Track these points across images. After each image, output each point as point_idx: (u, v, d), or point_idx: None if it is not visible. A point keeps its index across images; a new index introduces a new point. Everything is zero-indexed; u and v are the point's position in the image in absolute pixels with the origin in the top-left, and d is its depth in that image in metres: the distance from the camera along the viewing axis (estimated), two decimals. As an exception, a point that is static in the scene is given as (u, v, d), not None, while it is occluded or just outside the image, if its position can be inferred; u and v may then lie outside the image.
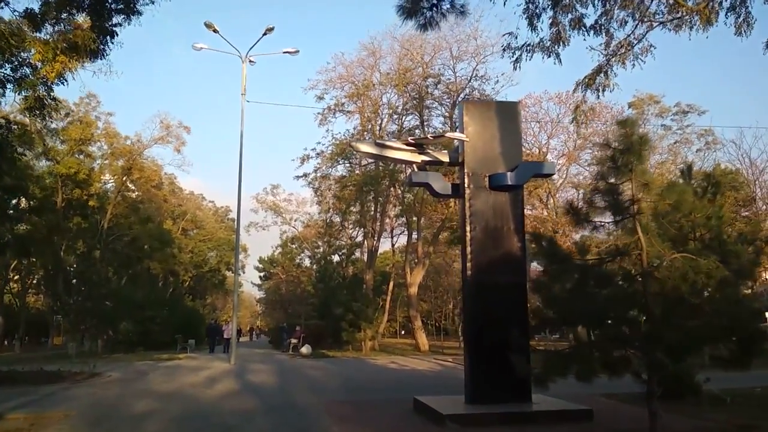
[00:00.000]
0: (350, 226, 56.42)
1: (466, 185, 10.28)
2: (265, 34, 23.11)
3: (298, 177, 33.77)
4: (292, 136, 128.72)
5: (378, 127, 32.39)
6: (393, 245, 50.43)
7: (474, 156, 10.39)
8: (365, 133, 32.14)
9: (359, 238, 54.40)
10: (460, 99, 30.44)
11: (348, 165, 34.24)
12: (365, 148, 10.88)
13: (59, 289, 35.07)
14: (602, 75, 10.91)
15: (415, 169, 10.79)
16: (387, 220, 37.91)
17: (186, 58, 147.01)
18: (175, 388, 14.31)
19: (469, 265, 10.14)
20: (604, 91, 10.80)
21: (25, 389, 14.20)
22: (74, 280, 36.04)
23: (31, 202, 36.97)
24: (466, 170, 10.31)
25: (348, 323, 29.71)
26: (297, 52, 24.90)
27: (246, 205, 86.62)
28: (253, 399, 12.19)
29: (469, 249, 10.15)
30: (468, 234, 10.16)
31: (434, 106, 31.82)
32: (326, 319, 34.69)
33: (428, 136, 13.85)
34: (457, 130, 10.98)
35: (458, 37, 30.75)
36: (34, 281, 50.23)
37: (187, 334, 33.99)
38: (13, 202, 36.97)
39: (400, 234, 53.64)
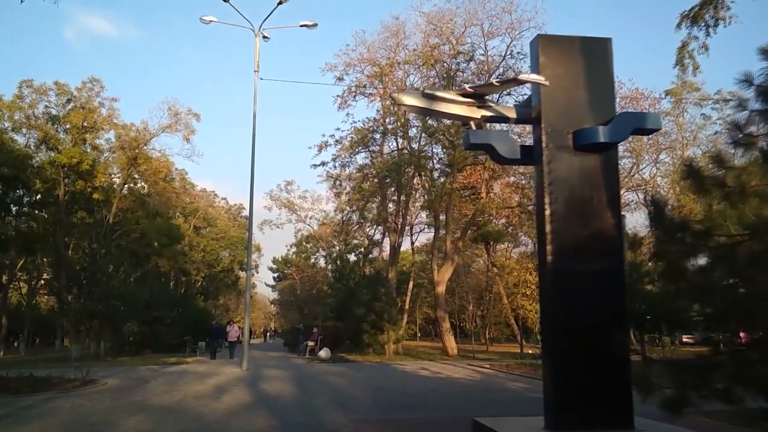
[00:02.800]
0: (368, 224, 54.34)
1: (543, 145, 7.91)
2: (280, 3, 20.89)
3: (315, 166, 31.58)
4: (309, 123, 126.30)
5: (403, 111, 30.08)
6: (413, 243, 48.17)
7: (554, 107, 8.02)
8: (388, 117, 29.88)
9: (377, 236, 52.29)
10: (492, 79, 28.09)
11: (369, 154, 31.94)
12: (410, 100, 8.53)
13: (61, 288, 33.14)
14: (711, 8, 8.54)
15: (473, 127, 8.46)
16: (410, 215, 35.64)
17: (194, 54, 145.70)
18: (176, 401, 12.08)
19: (549, 248, 7.77)
20: (716, 26, 8.42)
21: (1, 400, 12.07)
22: (83, 278, 34.00)
23: (32, 195, 35.13)
24: (543, 126, 7.93)
25: (370, 324, 27.42)
26: (315, 25, 22.64)
27: (260, 203, 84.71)
28: (267, 416, 9.89)
29: (548, 228, 7.77)
30: (547, 209, 7.78)
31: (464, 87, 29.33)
32: (345, 320, 32.50)
33: (493, 81, 11.43)
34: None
35: (490, 12, 28.35)
36: (42, 280, 48.50)
37: (198, 335, 31.91)
38: (12, 195, 35.18)
39: (420, 231, 51.50)
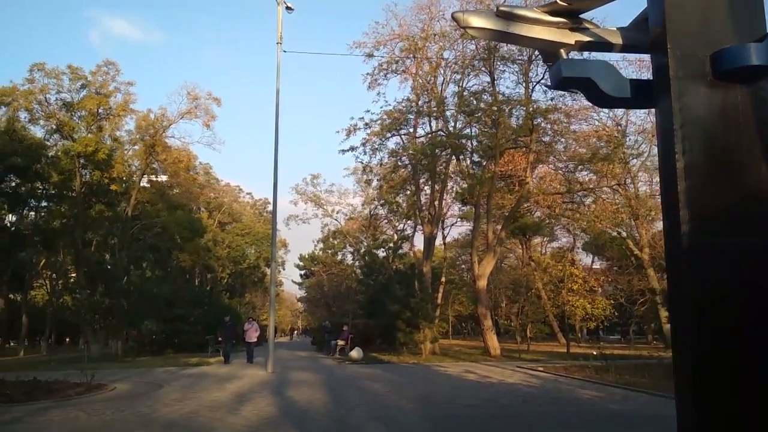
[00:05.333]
0: (397, 218, 52.26)
1: (672, 74, 5.72)
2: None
3: (343, 151, 29.45)
4: (337, 107, 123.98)
5: (439, 87, 27.93)
6: (444, 237, 45.93)
7: (684, 22, 5.76)
8: (421, 94, 27.74)
9: (407, 231, 50.18)
10: (538, 54, 25.76)
11: (401, 139, 29.82)
12: (479, 21, 6.34)
13: (76, 285, 31.76)
14: None
15: (564, 56, 6.29)
16: (444, 205, 33.48)
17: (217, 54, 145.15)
18: (187, 413, 10.14)
19: (682, 215, 5.56)
20: None
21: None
22: (99, 274, 32.61)
23: (48, 188, 33.68)
24: (670, 48, 5.75)
25: (404, 322, 25.35)
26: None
27: (285, 197, 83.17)
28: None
29: (681, 186, 5.56)
30: (678, 160, 5.58)
31: (505, 64, 27.04)
32: (376, 317, 30.55)
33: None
34: None
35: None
36: (70, 278, 47.41)
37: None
38: (27, 187, 33.84)
39: (453, 225, 49.27)
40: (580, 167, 31.13)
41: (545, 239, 54.63)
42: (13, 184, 33.17)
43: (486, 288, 28.66)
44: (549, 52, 6.94)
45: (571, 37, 6.31)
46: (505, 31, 6.48)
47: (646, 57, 6.15)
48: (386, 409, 10.42)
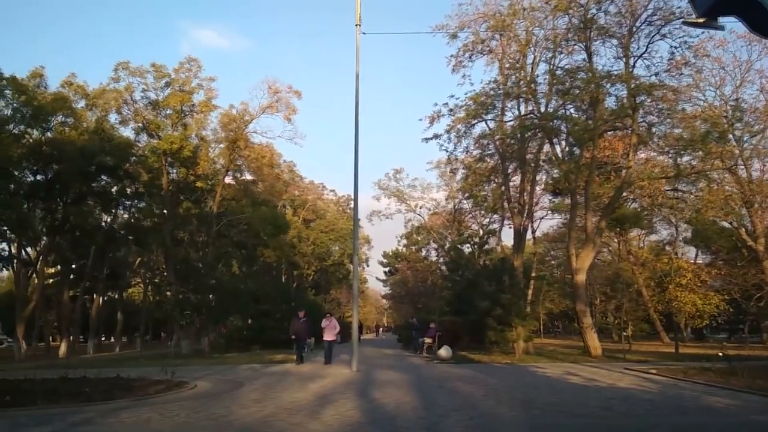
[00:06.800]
0: (482, 213, 50.50)
1: None
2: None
3: (426, 139, 28.15)
4: (419, 94, 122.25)
5: (528, 67, 26.12)
6: (534, 232, 43.78)
7: None
8: (509, 75, 26.05)
9: (493, 225, 48.33)
10: (639, 24, 23.47)
11: (487, 126, 28.23)
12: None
13: (168, 281, 32.33)
14: None
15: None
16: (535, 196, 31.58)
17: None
18: (264, 416, 9.22)
19: None
20: None
21: (54, 412, 9.81)
22: (186, 271, 33.06)
23: (137, 187, 34.49)
24: None
25: (495, 320, 23.79)
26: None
27: (368, 193, 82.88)
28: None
29: None
30: None
31: (602, 38, 24.86)
32: (463, 314, 29.13)
33: None
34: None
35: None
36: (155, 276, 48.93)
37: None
38: (117, 186, 34.82)
39: (543, 217, 46.94)
40: (686, 150, 28.46)
41: (643, 232, 51.20)
42: (104, 183, 34.22)
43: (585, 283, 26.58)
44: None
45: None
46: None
47: None
48: (484, 417, 9.08)
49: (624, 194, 31.36)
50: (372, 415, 9.29)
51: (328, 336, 21.70)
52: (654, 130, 26.63)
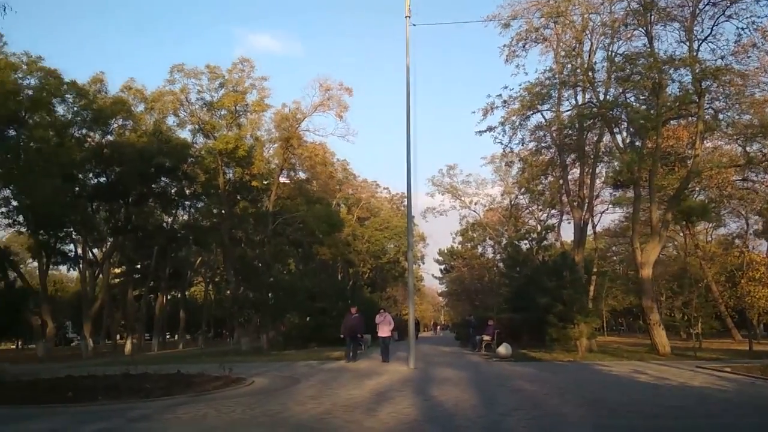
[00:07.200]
0: (539, 208, 49.34)
1: None
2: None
3: (480, 132, 27.49)
4: (471, 87, 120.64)
5: (585, 55, 25.18)
6: (594, 226, 42.43)
7: None
8: (565, 63, 25.18)
9: (552, 221, 47.13)
10: (703, 5, 22.28)
11: (542, 117, 27.43)
12: None
13: (227, 280, 32.87)
14: None
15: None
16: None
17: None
18: (320, 413, 9.04)
19: None
20: None
21: (114, 408, 9.93)
22: (243, 269, 33.55)
23: (195, 187, 35.17)
24: None
25: (557, 317, 23.02)
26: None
27: (422, 189, 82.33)
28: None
29: None
30: None
31: (663, 22, 23.71)
32: (522, 311, 28.41)
33: None
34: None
35: None
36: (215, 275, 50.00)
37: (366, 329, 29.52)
38: (176, 187, 35.61)
39: (604, 211, 45.46)
40: (756, 138, 26.89)
41: (711, 225, 48.90)
42: (163, 184, 35.11)
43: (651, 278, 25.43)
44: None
45: None
46: None
47: None
48: (548, 417, 8.63)
49: (690, 185, 29.95)
50: (430, 414, 8.97)
51: (383, 332, 21.25)
52: (721, 116, 25.27)
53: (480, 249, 64.03)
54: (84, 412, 9.56)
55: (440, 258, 73.67)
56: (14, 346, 52.70)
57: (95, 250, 38.96)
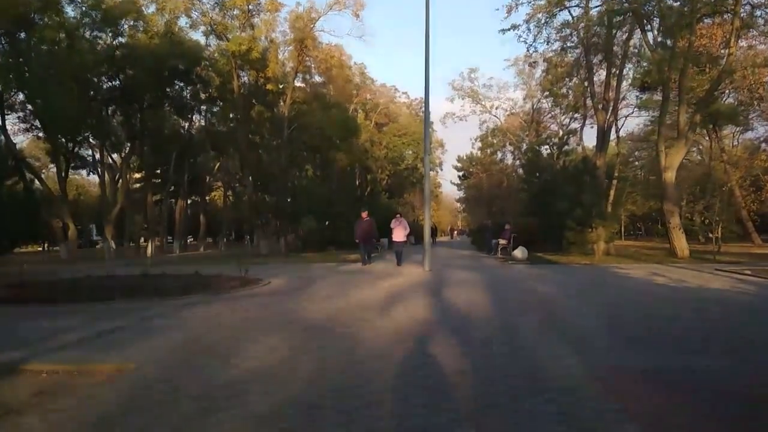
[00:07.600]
0: (562, 112, 48.02)
1: None
2: None
3: (503, 30, 26.26)
4: None
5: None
6: (618, 130, 41.29)
7: None
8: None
9: (574, 125, 46.01)
10: None
11: (570, 15, 25.98)
12: None
13: (244, 185, 32.89)
14: None
15: None
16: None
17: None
18: (332, 313, 9.06)
19: None
20: None
21: (130, 306, 10.07)
22: (259, 173, 33.47)
23: (212, 91, 34.58)
24: None
25: (575, 221, 22.82)
26: None
27: (442, 94, 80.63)
28: (451, 351, 6.30)
29: None
30: None
31: None
32: (540, 216, 28.27)
33: None
34: None
35: None
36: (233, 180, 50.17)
37: (381, 233, 29.70)
38: (191, 90, 35.02)
39: (629, 115, 44.19)
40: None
41: (738, 129, 47.48)
42: (177, 88, 34.53)
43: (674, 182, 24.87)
44: None
45: None
46: None
47: None
48: (563, 318, 8.54)
49: (720, 87, 28.71)
50: (442, 315, 8.92)
51: (398, 237, 20.77)
52: (758, 13, 23.76)
53: (499, 155, 63.35)
54: (101, 310, 9.71)
55: (459, 165, 73.20)
56: (41, 249, 54.34)
57: (114, 156, 39.09)
